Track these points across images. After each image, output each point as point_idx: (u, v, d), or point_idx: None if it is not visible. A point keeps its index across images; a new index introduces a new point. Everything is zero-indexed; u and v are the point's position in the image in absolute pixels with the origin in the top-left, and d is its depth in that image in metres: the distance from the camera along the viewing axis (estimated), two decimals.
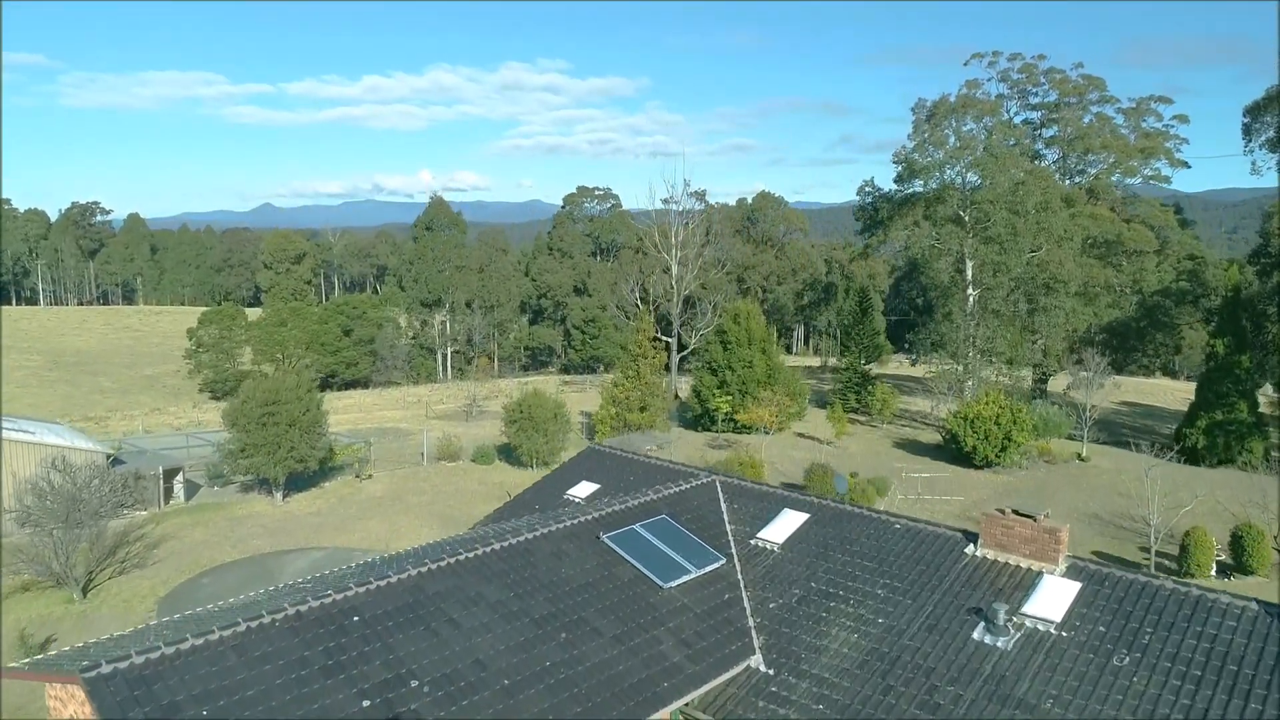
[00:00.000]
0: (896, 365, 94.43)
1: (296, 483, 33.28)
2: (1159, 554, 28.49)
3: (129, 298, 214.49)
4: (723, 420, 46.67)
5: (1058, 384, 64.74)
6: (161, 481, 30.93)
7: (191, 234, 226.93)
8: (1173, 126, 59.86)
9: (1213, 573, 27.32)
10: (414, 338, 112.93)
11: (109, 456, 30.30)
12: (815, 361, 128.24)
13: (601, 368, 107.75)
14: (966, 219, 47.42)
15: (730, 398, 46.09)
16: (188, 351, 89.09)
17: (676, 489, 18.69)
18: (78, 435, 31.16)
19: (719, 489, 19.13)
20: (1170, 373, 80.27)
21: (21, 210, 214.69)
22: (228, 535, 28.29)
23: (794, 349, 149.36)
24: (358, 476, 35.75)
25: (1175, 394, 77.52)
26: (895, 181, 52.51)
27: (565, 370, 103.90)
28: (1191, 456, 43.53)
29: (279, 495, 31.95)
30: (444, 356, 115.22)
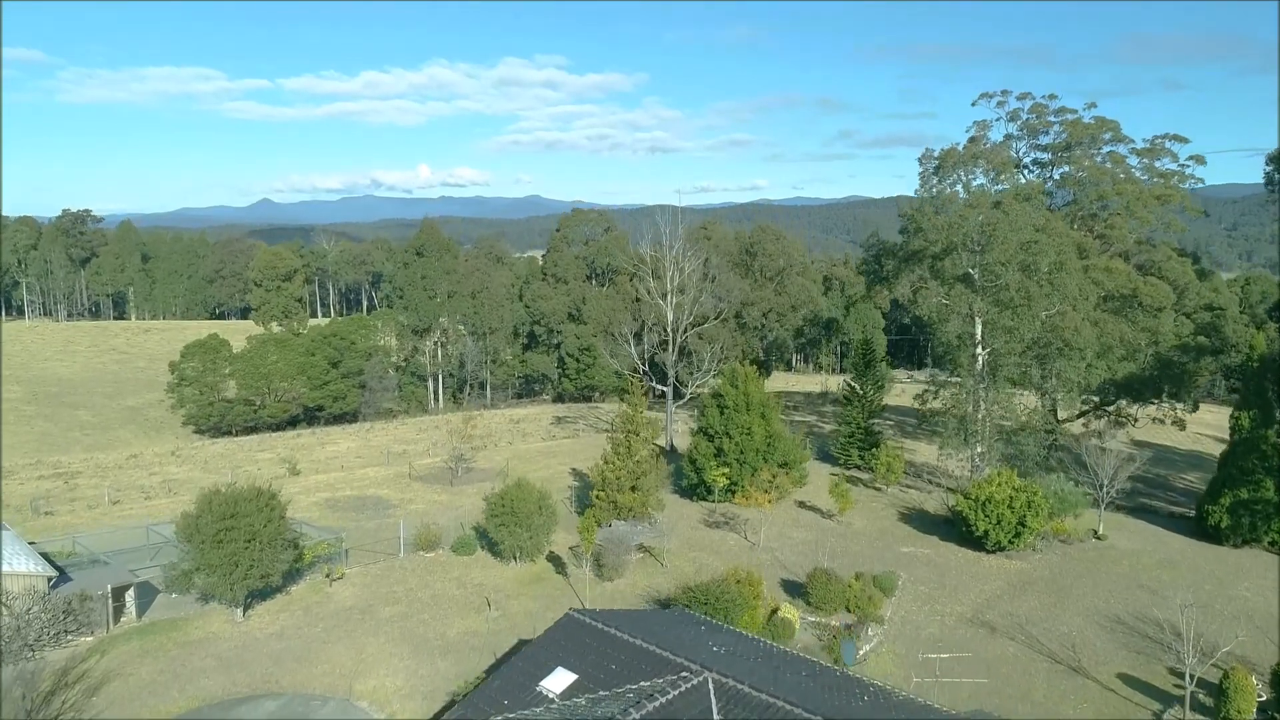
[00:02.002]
0: (899, 393, 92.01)
1: (261, 589, 30.89)
2: (1194, 679, 26.11)
3: (120, 308, 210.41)
4: (720, 491, 44.33)
5: (1072, 425, 62.74)
6: (110, 600, 28.54)
7: (184, 242, 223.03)
8: (1188, 166, 57.63)
9: (1254, 716, 25.03)
10: (406, 361, 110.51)
11: (50, 580, 27.94)
12: (816, 382, 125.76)
13: (596, 395, 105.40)
14: (976, 276, 45.06)
15: (728, 469, 43.69)
16: (170, 385, 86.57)
17: (663, 699, 16.31)
18: (20, 551, 28.72)
19: (711, 695, 16.73)
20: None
21: (12, 218, 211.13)
22: (177, 672, 25.87)
23: (793, 365, 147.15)
24: (328, 577, 33.37)
25: (1188, 430, 75.35)
26: (901, 233, 50.18)
27: (559, 399, 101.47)
28: (1214, 535, 41.24)
29: (239, 612, 29.56)
30: (436, 379, 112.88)
